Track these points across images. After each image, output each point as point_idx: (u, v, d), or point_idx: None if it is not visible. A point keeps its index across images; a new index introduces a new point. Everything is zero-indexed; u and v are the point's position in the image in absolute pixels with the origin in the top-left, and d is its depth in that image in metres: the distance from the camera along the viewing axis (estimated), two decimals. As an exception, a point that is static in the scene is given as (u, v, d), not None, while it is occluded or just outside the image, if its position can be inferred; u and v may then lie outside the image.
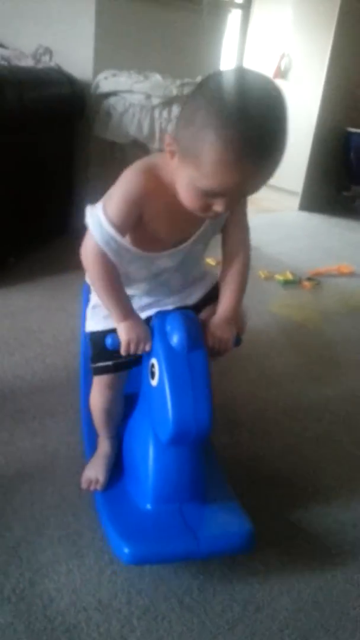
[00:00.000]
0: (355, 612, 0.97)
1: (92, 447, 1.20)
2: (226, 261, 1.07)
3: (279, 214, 3.76)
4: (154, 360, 0.97)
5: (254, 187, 0.86)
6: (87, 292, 1.57)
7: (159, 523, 0.98)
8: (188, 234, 1.00)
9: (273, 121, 0.79)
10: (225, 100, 0.78)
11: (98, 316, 1.12)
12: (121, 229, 0.92)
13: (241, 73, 0.83)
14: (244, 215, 1.06)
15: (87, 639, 0.87)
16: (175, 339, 0.94)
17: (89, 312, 1.17)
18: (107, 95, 2.30)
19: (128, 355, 1.00)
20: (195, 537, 0.93)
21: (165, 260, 1.02)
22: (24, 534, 1.03)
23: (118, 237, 0.93)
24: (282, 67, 3.80)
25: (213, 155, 0.78)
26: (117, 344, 0.99)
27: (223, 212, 0.88)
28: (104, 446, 1.19)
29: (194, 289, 1.13)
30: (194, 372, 0.93)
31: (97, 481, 1.13)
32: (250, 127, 0.77)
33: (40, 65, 2.38)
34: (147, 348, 0.98)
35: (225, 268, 1.07)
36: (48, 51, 2.46)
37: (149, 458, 1.01)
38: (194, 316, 1.01)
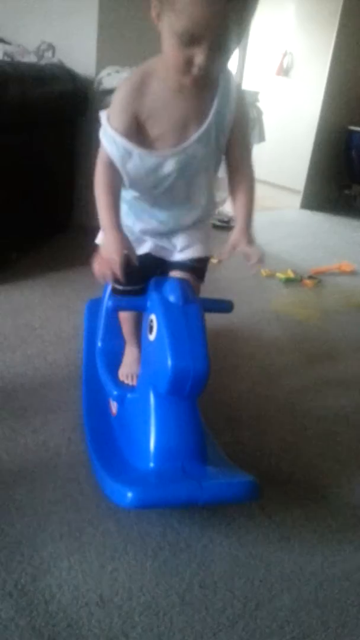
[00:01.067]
0: (355, 609, 0.98)
1: (94, 444, 1.20)
2: (233, 180, 1.14)
3: (281, 211, 3.77)
4: (152, 316, 1.04)
5: (227, 29, 0.88)
6: (89, 312, 1.62)
7: (162, 473, 1.00)
8: (190, 131, 1.04)
9: None
10: None
11: None
12: (125, 132, 1.01)
13: None
14: (245, 135, 1.13)
15: (88, 634, 0.87)
16: (171, 295, 1.04)
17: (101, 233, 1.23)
18: (110, 91, 2.30)
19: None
20: (199, 483, 0.94)
21: (169, 162, 1.05)
22: (25, 529, 1.04)
23: (123, 140, 1.01)
24: (285, 65, 3.80)
25: None
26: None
27: (204, 64, 0.90)
28: (133, 352, 1.31)
29: (193, 248, 1.19)
30: (190, 323, 1.01)
31: (132, 376, 1.26)
32: None
33: (42, 62, 2.38)
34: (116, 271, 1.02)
35: (234, 186, 1.14)
36: (51, 47, 2.46)
37: (150, 418, 1.04)
38: (188, 282, 1.10)
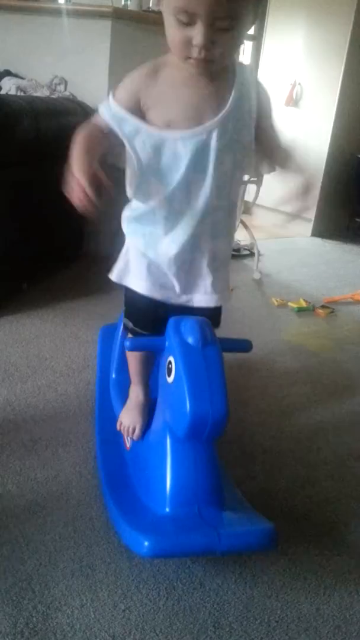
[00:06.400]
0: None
1: (108, 480, 1.18)
2: None
3: (291, 239, 3.77)
4: (170, 358, 1.01)
5: (222, 5, 0.86)
6: (103, 339, 1.61)
7: (178, 520, 0.98)
8: (205, 120, 0.99)
9: None
10: None
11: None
12: (127, 108, 1.00)
13: None
14: (273, 123, 1.13)
15: None
16: (190, 337, 1.00)
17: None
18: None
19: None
20: (216, 532, 0.92)
21: (179, 144, 0.99)
22: (36, 566, 1.02)
23: (122, 110, 1.00)
24: (294, 96, 3.84)
25: None
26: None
27: (202, 43, 0.89)
28: (137, 394, 1.25)
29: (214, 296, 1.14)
30: (209, 366, 0.98)
31: (133, 430, 1.19)
32: None
33: (55, 95, 2.43)
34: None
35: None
36: (63, 81, 2.51)
37: (165, 459, 1.02)
38: (207, 321, 1.06)
